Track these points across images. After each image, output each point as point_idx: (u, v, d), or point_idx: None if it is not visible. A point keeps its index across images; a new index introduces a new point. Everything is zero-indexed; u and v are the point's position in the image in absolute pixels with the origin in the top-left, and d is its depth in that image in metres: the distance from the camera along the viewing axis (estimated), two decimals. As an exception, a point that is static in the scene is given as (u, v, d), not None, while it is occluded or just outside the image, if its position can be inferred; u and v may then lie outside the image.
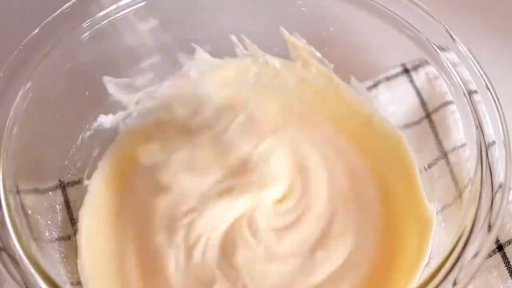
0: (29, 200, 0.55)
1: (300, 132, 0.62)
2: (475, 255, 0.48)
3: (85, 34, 0.58)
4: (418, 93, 0.62)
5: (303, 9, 0.61)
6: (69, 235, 0.58)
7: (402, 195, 0.58)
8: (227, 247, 0.56)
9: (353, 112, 0.62)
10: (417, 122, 0.61)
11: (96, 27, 0.58)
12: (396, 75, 0.63)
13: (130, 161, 0.61)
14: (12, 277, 0.48)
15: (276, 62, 0.63)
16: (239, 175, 0.58)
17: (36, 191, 0.57)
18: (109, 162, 0.62)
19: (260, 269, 0.55)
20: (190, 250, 0.56)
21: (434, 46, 0.56)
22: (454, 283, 0.48)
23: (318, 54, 0.62)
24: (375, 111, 0.61)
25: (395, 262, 0.56)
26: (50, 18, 0.57)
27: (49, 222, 0.57)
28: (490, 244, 0.49)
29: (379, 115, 0.61)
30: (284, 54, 0.63)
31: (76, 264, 0.56)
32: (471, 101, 0.53)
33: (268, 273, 0.55)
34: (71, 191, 0.60)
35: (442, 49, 0.55)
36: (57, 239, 0.57)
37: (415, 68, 0.63)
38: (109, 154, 0.62)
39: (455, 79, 0.55)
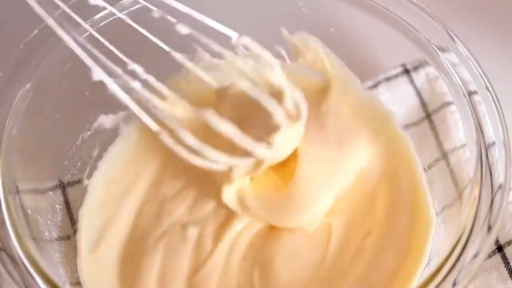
0: (29, 200, 0.55)
1: None
2: (475, 255, 0.48)
3: (85, 34, 0.58)
4: (418, 94, 0.62)
5: (303, 9, 0.61)
6: (68, 235, 0.58)
7: (407, 196, 0.58)
8: None
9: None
10: (417, 123, 0.61)
11: (96, 27, 0.58)
12: (396, 76, 0.63)
13: (130, 160, 0.62)
14: (12, 277, 0.48)
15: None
16: None
17: (36, 191, 0.57)
18: (109, 162, 0.62)
19: None
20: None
21: (434, 47, 0.56)
22: (454, 284, 0.48)
23: (319, 55, 0.62)
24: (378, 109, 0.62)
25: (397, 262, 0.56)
26: (50, 18, 0.57)
27: (48, 222, 0.57)
28: (489, 245, 0.49)
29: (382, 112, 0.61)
30: (285, 55, 0.63)
31: (76, 264, 0.56)
32: (471, 102, 0.53)
33: None
34: (71, 191, 0.60)
35: (442, 49, 0.55)
36: (56, 239, 0.57)
37: (415, 68, 0.63)
38: (109, 154, 0.62)
39: (455, 80, 0.55)
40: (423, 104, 0.62)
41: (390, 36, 0.57)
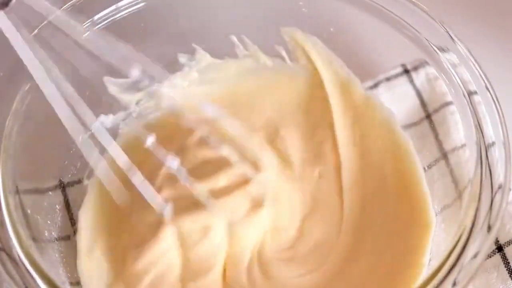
0: (29, 200, 0.55)
1: None
2: (475, 255, 0.48)
3: (85, 35, 0.58)
4: (418, 94, 0.62)
5: (303, 9, 0.61)
6: (68, 235, 0.58)
7: (407, 196, 0.58)
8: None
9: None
10: (417, 123, 0.61)
11: (96, 27, 0.58)
12: (396, 76, 0.63)
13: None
14: (11, 277, 0.48)
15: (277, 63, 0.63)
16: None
17: (36, 191, 0.57)
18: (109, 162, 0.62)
19: None
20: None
21: (434, 47, 0.56)
22: (454, 284, 0.48)
23: (319, 55, 0.62)
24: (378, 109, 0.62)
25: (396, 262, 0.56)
26: (50, 18, 0.57)
27: (48, 222, 0.57)
28: (489, 245, 0.49)
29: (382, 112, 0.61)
30: (285, 55, 0.63)
31: (76, 264, 0.56)
32: (471, 102, 0.53)
33: None
34: (71, 191, 0.60)
35: (442, 49, 0.55)
36: (56, 239, 0.57)
37: (415, 68, 0.63)
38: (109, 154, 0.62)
39: (455, 80, 0.55)
40: (423, 104, 0.62)
41: (390, 36, 0.57)
